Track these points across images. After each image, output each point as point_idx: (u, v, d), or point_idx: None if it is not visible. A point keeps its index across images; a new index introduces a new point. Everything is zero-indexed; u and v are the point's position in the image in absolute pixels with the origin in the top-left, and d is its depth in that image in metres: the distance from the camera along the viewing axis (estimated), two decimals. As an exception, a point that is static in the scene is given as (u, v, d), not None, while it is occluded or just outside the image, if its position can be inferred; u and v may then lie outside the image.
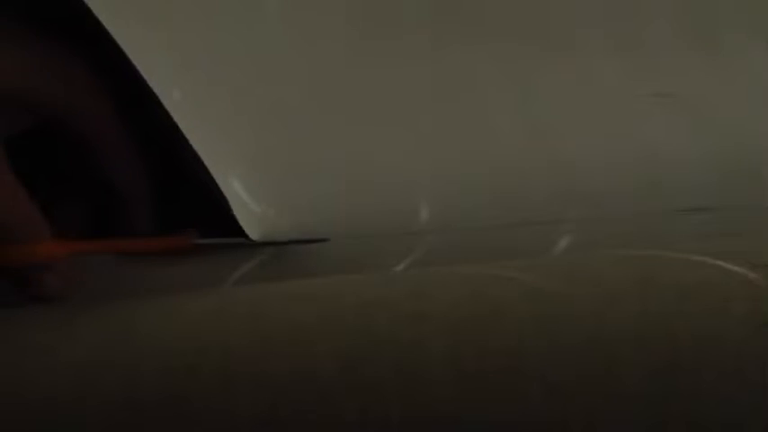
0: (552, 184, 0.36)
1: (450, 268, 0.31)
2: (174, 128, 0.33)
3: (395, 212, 0.35)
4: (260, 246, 0.34)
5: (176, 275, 0.34)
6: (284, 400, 0.27)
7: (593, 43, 0.39)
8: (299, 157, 0.35)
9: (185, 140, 0.33)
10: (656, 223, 0.37)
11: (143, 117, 0.34)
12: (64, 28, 0.32)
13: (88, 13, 0.31)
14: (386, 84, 0.36)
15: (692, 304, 0.28)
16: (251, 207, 0.34)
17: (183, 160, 0.34)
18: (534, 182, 0.36)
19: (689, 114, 0.38)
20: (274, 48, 0.36)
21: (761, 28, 0.41)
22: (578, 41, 0.39)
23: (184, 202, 0.35)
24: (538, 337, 0.27)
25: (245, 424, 0.27)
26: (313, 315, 0.28)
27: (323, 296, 0.30)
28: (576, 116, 0.38)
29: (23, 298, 0.32)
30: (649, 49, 0.40)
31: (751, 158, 0.38)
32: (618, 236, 0.36)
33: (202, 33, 0.35)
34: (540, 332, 0.28)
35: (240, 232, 0.33)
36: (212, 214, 0.34)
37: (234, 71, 0.35)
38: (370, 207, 0.35)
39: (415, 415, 0.27)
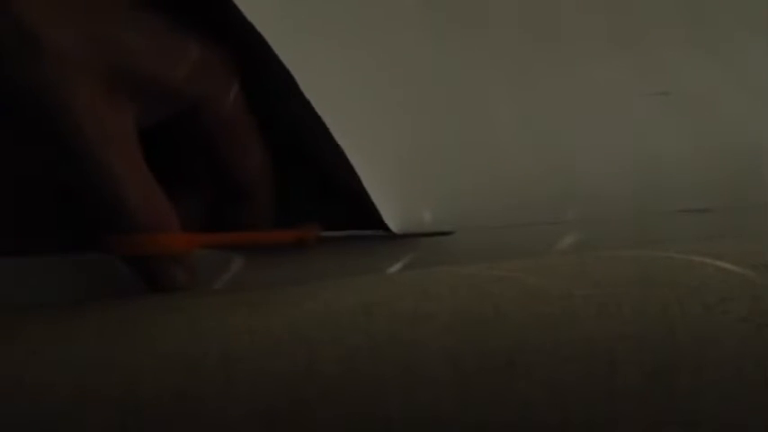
0: (552, 184, 0.36)
1: (450, 268, 0.31)
2: (305, 123, 0.33)
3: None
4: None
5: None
6: (284, 400, 0.27)
7: (593, 41, 0.39)
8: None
9: (316, 135, 0.33)
10: (656, 223, 0.36)
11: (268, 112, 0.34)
12: (204, 19, 0.32)
13: (226, 4, 0.31)
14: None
15: (692, 304, 0.28)
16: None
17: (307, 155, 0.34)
18: (534, 182, 0.36)
19: (689, 114, 0.38)
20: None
21: (762, 26, 0.41)
22: (578, 39, 0.39)
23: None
24: (538, 337, 0.27)
25: (246, 424, 0.27)
26: (313, 315, 0.28)
27: (323, 296, 0.30)
28: (575, 115, 0.38)
29: (150, 289, 0.32)
30: (650, 48, 0.40)
31: (752, 158, 0.38)
32: (618, 236, 0.36)
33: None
34: (540, 332, 0.28)
35: (360, 226, 0.34)
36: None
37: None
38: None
39: (416, 415, 0.27)
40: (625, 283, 0.29)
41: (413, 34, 0.38)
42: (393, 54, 0.36)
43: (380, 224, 0.34)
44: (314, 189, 0.36)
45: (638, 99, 0.38)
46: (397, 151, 0.35)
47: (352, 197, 0.35)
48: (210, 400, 0.27)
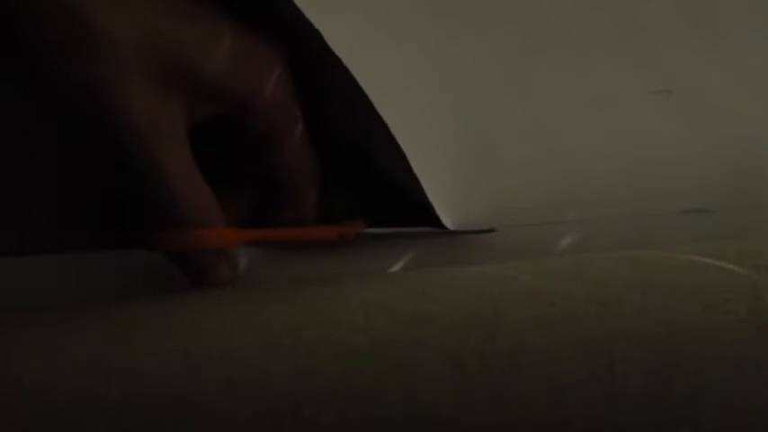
0: (553, 184, 0.36)
1: (450, 268, 0.31)
2: (356, 119, 0.33)
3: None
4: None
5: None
6: (284, 400, 0.27)
7: (595, 41, 0.39)
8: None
9: (370, 131, 0.33)
10: (656, 224, 0.36)
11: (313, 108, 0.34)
12: (256, 15, 0.32)
13: (280, 2, 0.31)
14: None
15: (693, 304, 0.28)
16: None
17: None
18: (534, 182, 0.36)
19: (691, 113, 0.38)
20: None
21: (764, 26, 0.41)
22: (580, 39, 0.39)
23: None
24: (538, 337, 0.27)
25: (246, 424, 0.27)
26: (313, 315, 0.28)
27: (323, 296, 0.30)
28: (575, 114, 0.38)
29: (194, 285, 0.32)
30: (650, 46, 0.40)
31: (752, 158, 0.38)
32: (619, 236, 0.36)
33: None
34: (541, 332, 0.28)
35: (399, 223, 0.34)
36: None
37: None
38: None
39: (416, 415, 0.27)
40: (625, 283, 0.29)
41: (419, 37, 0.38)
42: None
43: (424, 221, 0.35)
44: (351, 185, 0.36)
45: (640, 98, 0.38)
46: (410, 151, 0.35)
47: (387, 194, 0.35)
48: (211, 400, 0.27)
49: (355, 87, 0.32)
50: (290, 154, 0.34)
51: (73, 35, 0.29)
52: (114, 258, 0.34)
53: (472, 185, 0.36)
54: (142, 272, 0.34)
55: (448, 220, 0.35)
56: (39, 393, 0.27)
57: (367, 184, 0.35)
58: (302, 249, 0.35)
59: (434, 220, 0.35)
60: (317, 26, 0.32)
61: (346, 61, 0.32)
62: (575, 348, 0.27)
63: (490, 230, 0.35)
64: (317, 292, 0.30)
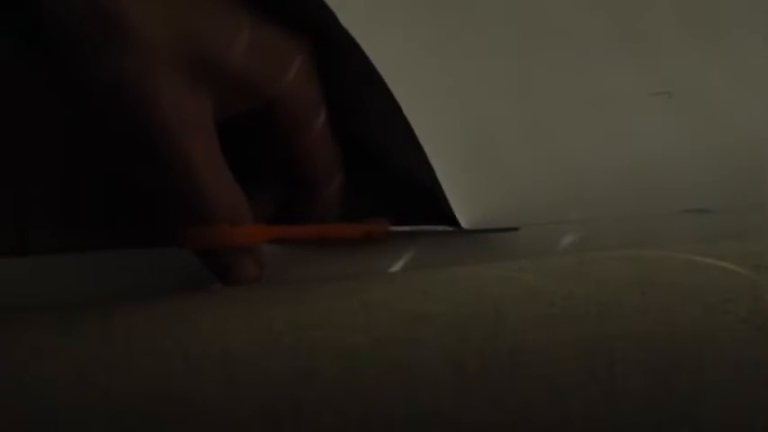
0: (553, 184, 0.36)
1: (451, 268, 0.31)
2: (378, 116, 0.33)
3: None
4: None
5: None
6: (284, 400, 0.27)
7: (595, 42, 0.39)
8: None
9: (391, 129, 0.33)
10: (657, 224, 0.36)
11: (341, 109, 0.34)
12: (285, 12, 0.32)
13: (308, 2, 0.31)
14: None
15: (693, 304, 0.28)
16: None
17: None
18: (535, 182, 0.36)
19: (691, 114, 0.38)
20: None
21: (764, 27, 0.41)
22: (580, 40, 0.39)
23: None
24: (538, 337, 0.27)
25: (246, 424, 0.27)
26: (313, 314, 0.28)
27: (323, 295, 0.30)
28: (575, 115, 0.38)
29: (222, 282, 0.32)
30: (650, 47, 0.40)
31: (753, 158, 0.38)
32: (619, 236, 0.36)
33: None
34: (541, 332, 0.28)
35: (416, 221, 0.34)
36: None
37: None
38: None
39: (416, 415, 0.27)
40: (625, 283, 0.29)
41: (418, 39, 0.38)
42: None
43: (445, 219, 0.35)
44: (369, 183, 0.36)
45: (640, 99, 0.38)
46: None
47: (407, 193, 0.35)
48: (211, 400, 0.27)
49: (378, 81, 0.32)
50: (313, 145, 0.34)
51: (103, 28, 0.28)
52: (114, 258, 0.34)
53: (472, 186, 0.36)
54: (142, 272, 0.34)
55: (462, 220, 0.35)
56: (39, 393, 0.27)
57: (385, 182, 0.35)
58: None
59: (452, 219, 0.35)
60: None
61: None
62: (575, 348, 0.27)
63: (512, 229, 0.35)
64: (318, 291, 0.30)
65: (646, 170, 0.37)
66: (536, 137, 0.37)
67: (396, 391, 0.27)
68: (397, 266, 0.35)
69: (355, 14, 0.36)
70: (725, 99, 0.39)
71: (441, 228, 0.35)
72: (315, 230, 0.34)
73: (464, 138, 0.37)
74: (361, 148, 0.35)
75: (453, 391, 0.27)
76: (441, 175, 0.34)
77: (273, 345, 0.27)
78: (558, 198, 0.36)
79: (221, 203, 0.31)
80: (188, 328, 0.28)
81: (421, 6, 0.38)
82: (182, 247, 0.32)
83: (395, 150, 0.35)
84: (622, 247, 0.32)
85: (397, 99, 0.33)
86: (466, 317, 0.28)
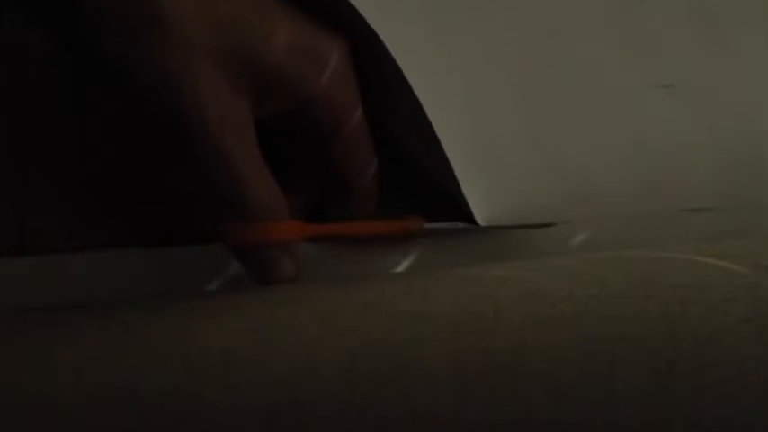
0: (555, 183, 0.36)
1: (450, 268, 0.31)
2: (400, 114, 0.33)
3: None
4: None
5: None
6: (284, 400, 0.27)
7: (594, 36, 0.39)
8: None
9: (413, 128, 0.33)
10: (658, 222, 0.36)
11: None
12: (324, 14, 0.32)
13: (345, 5, 0.31)
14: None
15: (693, 304, 0.28)
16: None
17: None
18: (537, 183, 0.36)
19: (692, 112, 0.38)
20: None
21: (764, 21, 0.41)
22: (579, 34, 0.39)
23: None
24: (538, 337, 0.27)
25: (245, 424, 0.27)
26: (313, 315, 0.28)
27: (323, 296, 0.30)
28: (576, 113, 0.38)
29: (259, 281, 0.32)
30: (652, 43, 0.39)
31: (754, 157, 0.38)
32: (623, 235, 0.36)
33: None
34: (541, 332, 0.28)
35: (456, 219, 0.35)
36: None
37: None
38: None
39: (416, 415, 0.27)
40: (626, 283, 0.29)
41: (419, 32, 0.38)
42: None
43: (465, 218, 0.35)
44: (397, 182, 0.36)
45: (640, 95, 0.38)
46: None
47: (427, 191, 0.35)
48: (210, 400, 0.27)
49: (403, 81, 0.32)
50: (348, 142, 0.33)
51: (144, 24, 0.28)
52: (115, 258, 0.34)
53: (474, 187, 0.36)
54: (142, 272, 0.34)
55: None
56: (39, 393, 0.27)
57: (410, 181, 0.36)
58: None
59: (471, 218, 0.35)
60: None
61: None
62: (575, 348, 0.27)
63: (546, 225, 0.35)
64: (318, 291, 0.30)
65: (646, 169, 0.37)
66: (538, 135, 0.37)
67: (396, 391, 0.27)
68: (400, 267, 0.35)
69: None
70: (727, 98, 0.39)
71: (473, 225, 0.35)
72: (352, 228, 0.34)
73: (467, 138, 0.37)
74: (385, 145, 0.35)
75: (453, 391, 0.27)
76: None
77: (273, 345, 0.27)
78: (560, 198, 0.36)
79: (261, 201, 0.31)
80: (188, 328, 0.28)
81: (420, 7, 0.38)
82: (219, 244, 0.32)
83: (420, 149, 0.35)
84: (625, 245, 0.32)
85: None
86: (466, 317, 0.28)
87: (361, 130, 0.34)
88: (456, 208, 0.35)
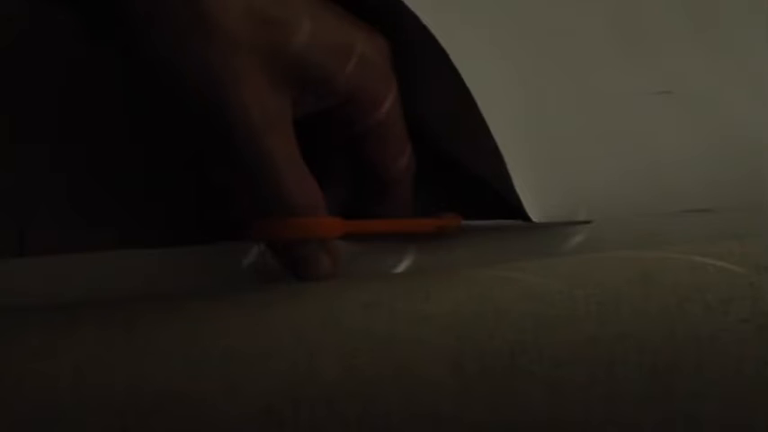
0: (556, 184, 0.36)
1: (450, 268, 0.31)
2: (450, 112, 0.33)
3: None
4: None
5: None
6: (284, 400, 0.27)
7: (593, 40, 0.39)
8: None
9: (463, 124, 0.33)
10: (658, 224, 0.36)
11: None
12: (367, 13, 0.32)
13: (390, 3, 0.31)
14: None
15: (693, 304, 0.28)
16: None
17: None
18: (538, 182, 0.36)
19: (692, 112, 0.38)
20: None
21: (763, 25, 0.41)
22: (578, 38, 0.39)
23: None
24: (538, 337, 0.27)
25: (245, 424, 0.27)
26: (313, 315, 0.28)
27: (323, 296, 0.30)
28: (576, 114, 0.38)
29: (297, 278, 0.32)
30: (651, 47, 0.40)
31: (753, 158, 0.38)
32: (621, 236, 0.36)
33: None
34: (540, 332, 0.28)
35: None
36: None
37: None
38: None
39: (416, 415, 0.27)
40: (626, 283, 0.29)
41: None
42: None
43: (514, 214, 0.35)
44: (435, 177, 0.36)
45: (639, 98, 0.38)
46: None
47: (471, 188, 0.35)
48: (210, 400, 0.27)
49: (452, 72, 0.32)
50: (393, 158, 0.34)
51: (191, 24, 0.28)
52: (115, 259, 0.34)
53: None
54: (142, 272, 0.34)
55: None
56: (39, 393, 0.27)
57: (452, 176, 0.36)
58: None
59: (521, 213, 0.35)
60: None
61: None
62: (574, 349, 0.27)
63: (586, 222, 0.35)
64: (317, 291, 0.30)
65: (647, 170, 0.37)
66: (538, 137, 0.37)
67: (396, 391, 0.27)
68: (400, 268, 0.35)
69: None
70: (726, 99, 0.39)
71: (511, 222, 0.35)
72: (389, 225, 0.34)
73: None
74: (423, 141, 0.35)
75: (453, 391, 0.27)
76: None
77: (273, 345, 0.27)
78: (561, 198, 0.36)
79: (301, 198, 0.31)
80: (188, 328, 0.28)
81: (420, 6, 0.38)
82: (257, 241, 0.33)
83: (466, 146, 0.35)
84: (624, 246, 0.32)
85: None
86: (466, 317, 0.28)
87: (393, 122, 0.34)
88: (495, 205, 0.35)
